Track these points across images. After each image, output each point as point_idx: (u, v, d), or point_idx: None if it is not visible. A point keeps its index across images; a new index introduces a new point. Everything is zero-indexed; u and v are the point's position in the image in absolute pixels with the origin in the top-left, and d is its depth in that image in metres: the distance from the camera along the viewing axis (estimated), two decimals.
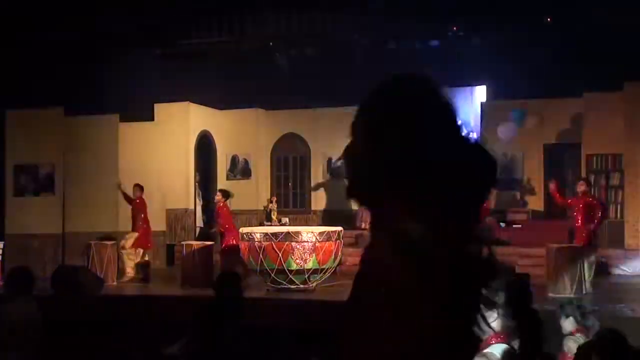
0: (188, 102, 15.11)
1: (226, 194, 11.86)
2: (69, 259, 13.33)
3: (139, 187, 12.22)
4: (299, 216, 16.01)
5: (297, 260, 9.93)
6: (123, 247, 11.98)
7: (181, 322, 5.97)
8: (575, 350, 4.66)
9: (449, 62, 15.27)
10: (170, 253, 14.31)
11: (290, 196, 16.60)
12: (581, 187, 10.84)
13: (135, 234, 12.02)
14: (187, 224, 15.02)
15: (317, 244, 10.00)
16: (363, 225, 13.44)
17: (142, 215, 12.07)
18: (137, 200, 12.17)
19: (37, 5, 13.73)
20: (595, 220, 10.35)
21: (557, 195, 10.99)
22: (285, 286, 10.07)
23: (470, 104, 16.13)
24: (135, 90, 14.61)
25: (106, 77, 14.65)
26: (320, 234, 10.17)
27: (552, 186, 11.15)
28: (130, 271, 11.99)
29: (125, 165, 13.63)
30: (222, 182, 15.62)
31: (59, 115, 13.72)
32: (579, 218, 10.50)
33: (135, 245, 11.99)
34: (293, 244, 9.95)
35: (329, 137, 14.89)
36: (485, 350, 3.24)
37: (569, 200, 11.01)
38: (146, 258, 12.21)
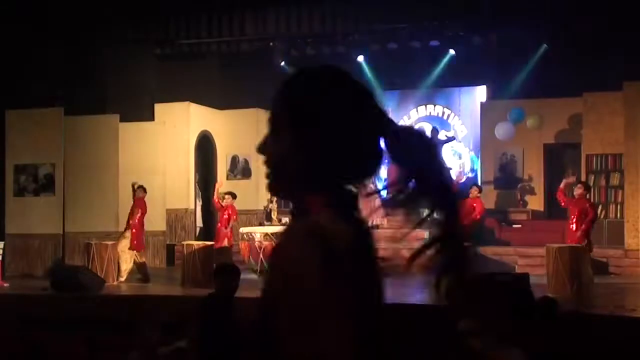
0: (188, 102, 15.11)
1: (235, 196, 12.45)
2: (69, 259, 13.34)
3: (142, 189, 12.23)
4: None
5: None
6: (119, 248, 11.96)
7: (181, 322, 5.97)
8: None
9: (449, 62, 15.30)
10: (170, 253, 14.30)
11: None
12: (578, 191, 10.85)
13: (128, 236, 11.96)
14: (187, 224, 15.02)
15: None
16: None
17: (139, 217, 12.04)
18: (139, 201, 12.16)
19: (37, 5, 13.74)
20: (583, 226, 10.47)
21: (562, 193, 11.00)
22: None
23: (470, 104, 16.14)
24: (135, 90, 14.62)
25: (106, 77, 14.66)
26: None
27: (564, 182, 11.18)
28: (126, 271, 11.96)
29: (126, 165, 13.62)
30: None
31: (59, 115, 13.70)
32: (573, 220, 10.64)
33: (130, 248, 11.94)
34: None
35: None
36: None
37: (568, 202, 11.00)
38: (143, 259, 12.16)
